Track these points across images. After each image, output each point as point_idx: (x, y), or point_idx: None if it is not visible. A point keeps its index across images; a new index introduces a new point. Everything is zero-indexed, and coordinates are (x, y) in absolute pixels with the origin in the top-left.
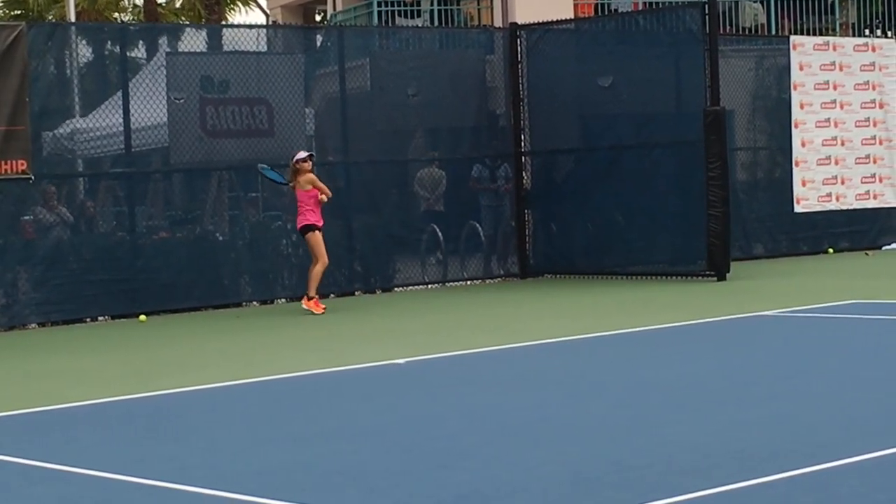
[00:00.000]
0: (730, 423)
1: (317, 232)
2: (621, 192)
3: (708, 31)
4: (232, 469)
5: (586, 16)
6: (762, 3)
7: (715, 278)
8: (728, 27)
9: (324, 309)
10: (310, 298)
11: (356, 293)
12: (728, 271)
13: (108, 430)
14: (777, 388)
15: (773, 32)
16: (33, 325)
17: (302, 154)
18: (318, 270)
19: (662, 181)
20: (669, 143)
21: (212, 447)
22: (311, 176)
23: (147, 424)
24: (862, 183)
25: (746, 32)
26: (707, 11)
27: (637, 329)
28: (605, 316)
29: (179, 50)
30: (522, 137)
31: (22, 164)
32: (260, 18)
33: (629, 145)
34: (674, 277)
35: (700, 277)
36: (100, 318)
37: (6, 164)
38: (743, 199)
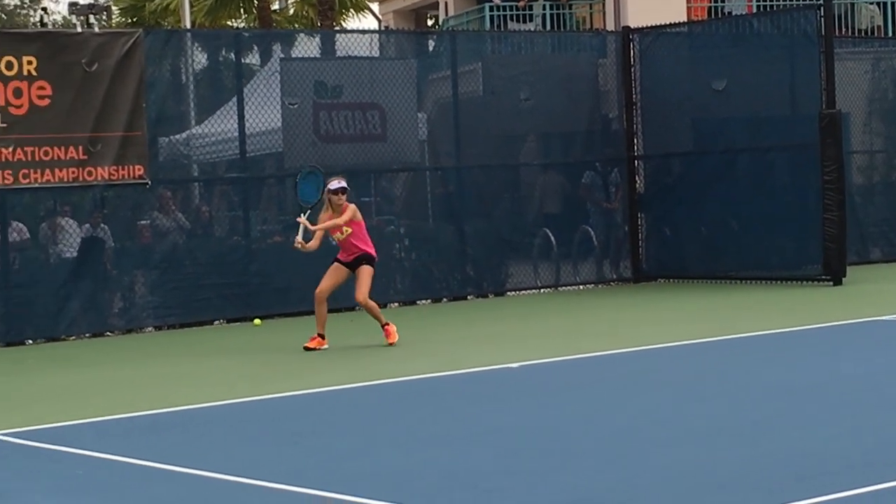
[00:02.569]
0: (846, 430)
1: (335, 263)
2: (735, 196)
3: (823, 33)
4: (345, 472)
5: (699, 19)
6: (879, 4)
7: (831, 283)
8: (844, 29)
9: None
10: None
11: (468, 297)
12: (844, 275)
13: (223, 432)
14: (894, 394)
15: (890, 34)
16: (150, 329)
17: (336, 184)
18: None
19: (777, 185)
20: (784, 147)
21: (326, 450)
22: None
23: (262, 427)
24: None
25: (863, 34)
26: (822, 13)
27: (752, 334)
28: (719, 320)
29: (293, 56)
30: (635, 141)
31: (139, 170)
32: (372, 24)
33: (743, 149)
34: (789, 282)
35: (816, 282)
36: (215, 322)
37: (123, 169)
38: (859, 202)
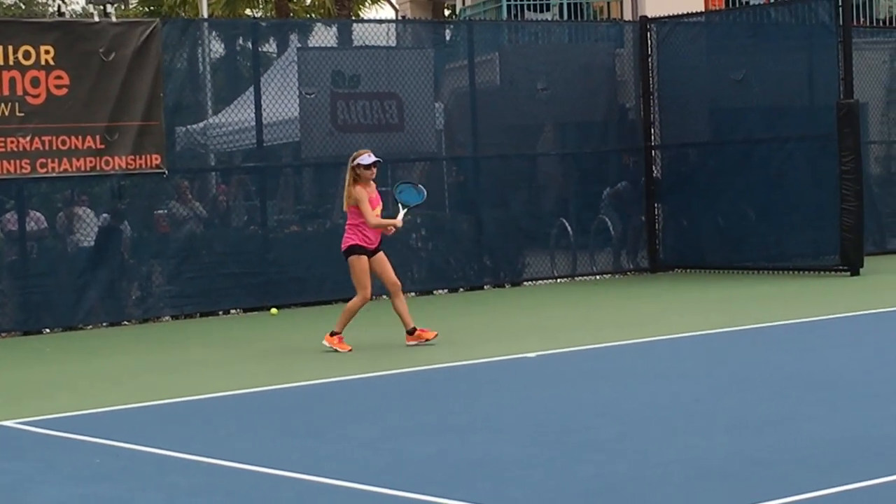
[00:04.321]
0: (865, 420)
1: (363, 257)
2: (753, 186)
3: (841, 23)
4: (364, 461)
5: (717, 9)
6: None
7: (848, 273)
8: (862, 19)
9: (349, 349)
10: (333, 335)
11: (485, 287)
12: (862, 266)
13: (242, 421)
14: None
15: None
16: (167, 318)
17: (368, 158)
18: (354, 304)
19: (795, 175)
20: (802, 137)
21: (345, 439)
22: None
23: (282, 416)
24: None
25: (881, 24)
26: (840, 3)
27: (769, 324)
28: (736, 311)
29: (310, 45)
30: (652, 131)
31: (156, 159)
32: (389, 14)
33: (761, 139)
34: (806, 272)
35: (833, 272)
36: (232, 311)
37: (141, 158)
38: (877, 192)
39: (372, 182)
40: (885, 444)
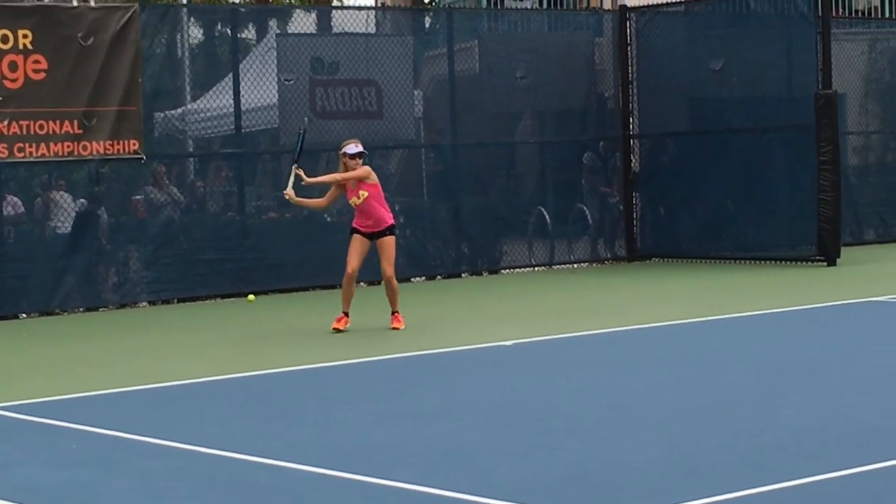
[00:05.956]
0: (840, 409)
1: (354, 235)
2: (731, 176)
3: (820, 13)
4: (341, 448)
5: None
6: None
7: (825, 263)
8: (840, 10)
9: (336, 327)
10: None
11: (463, 275)
12: (839, 256)
13: (218, 407)
14: (888, 374)
15: (887, 15)
16: (144, 304)
17: (353, 148)
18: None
19: (773, 165)
20: (780, 127)
21: (320, 426)
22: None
23: (258, 402)
24: None
25: (859, 15)
26: None
27: (746, 314)
28: (713, 300)
29: (289, 32)
30: (631, 120)
31: (134, 144)
32: (369, 1)
33: (739, 129)
34: (783, 262)
35: (810, 262)
36: (209, 298)
37: (119, 144)
38: (854, 183)
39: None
40: (860, 433)
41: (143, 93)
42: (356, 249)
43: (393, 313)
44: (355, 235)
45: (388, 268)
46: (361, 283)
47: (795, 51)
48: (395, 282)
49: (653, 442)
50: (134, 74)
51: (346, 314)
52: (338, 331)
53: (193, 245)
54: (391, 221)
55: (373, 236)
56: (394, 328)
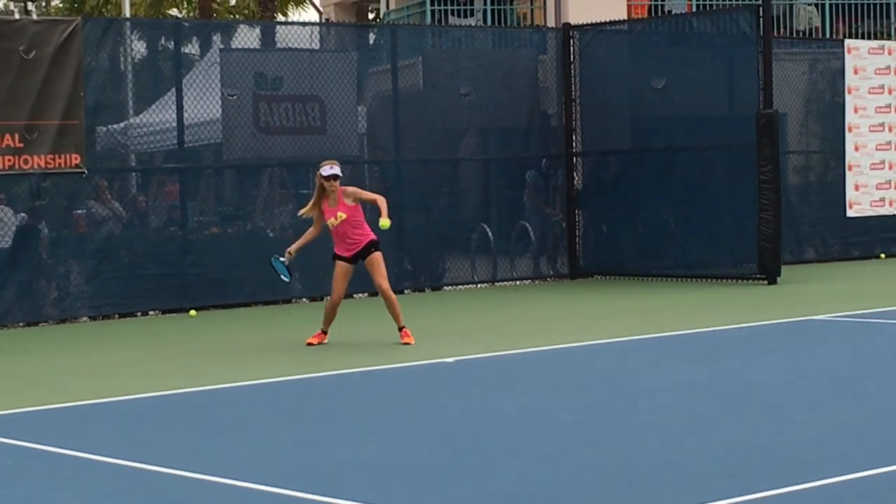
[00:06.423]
0: (780, 427)
1: (338, 262)
2: (672, 194)
3: (762, 33)
4: (281, 464)
5: (640, 17)
6: (817, 6)
7: (766, 282)
8: (782, 30)
9: (312, 342)
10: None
11: (405, 291)
12: (779, 275)
13: (159, 423)
14: (827, 392)
15: (828, 36)
16: (84, 319)
17: (329, 170)
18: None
19: (714, 184)
20: (721, 146)
21: (261, 442)
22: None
23: (198, 418)
24: None
25: (801, 35)
26: (761, 14)
27: (687, 332)
28: (653, 318)
29: (233, 47)
30: (574, 138)
31: (76, 159)
32: (313, 16)
33: (681, 147)
34: (724, 280)
35: (751, 281)
36: (150, 313)
37: (60, 158)
38: (795, 202)
39: (336, 192)
40: (799, 450)
41: (86, 107)
42: (341, 276)
43: (400, 329)
44: (339, 262)
45: (383, 281)
46: (303, 299)
47: (737, 70)
48: (392, 294)
49: (595, 459)
50: (76, 88)
51: (325, 332)
52: (311, 345)
53: (135, 260)
54: (372, 236)
55: (356, 258)
56: (405, 343)
